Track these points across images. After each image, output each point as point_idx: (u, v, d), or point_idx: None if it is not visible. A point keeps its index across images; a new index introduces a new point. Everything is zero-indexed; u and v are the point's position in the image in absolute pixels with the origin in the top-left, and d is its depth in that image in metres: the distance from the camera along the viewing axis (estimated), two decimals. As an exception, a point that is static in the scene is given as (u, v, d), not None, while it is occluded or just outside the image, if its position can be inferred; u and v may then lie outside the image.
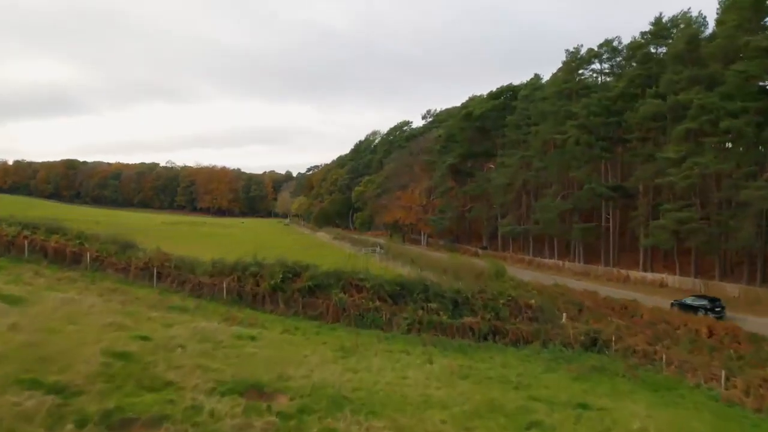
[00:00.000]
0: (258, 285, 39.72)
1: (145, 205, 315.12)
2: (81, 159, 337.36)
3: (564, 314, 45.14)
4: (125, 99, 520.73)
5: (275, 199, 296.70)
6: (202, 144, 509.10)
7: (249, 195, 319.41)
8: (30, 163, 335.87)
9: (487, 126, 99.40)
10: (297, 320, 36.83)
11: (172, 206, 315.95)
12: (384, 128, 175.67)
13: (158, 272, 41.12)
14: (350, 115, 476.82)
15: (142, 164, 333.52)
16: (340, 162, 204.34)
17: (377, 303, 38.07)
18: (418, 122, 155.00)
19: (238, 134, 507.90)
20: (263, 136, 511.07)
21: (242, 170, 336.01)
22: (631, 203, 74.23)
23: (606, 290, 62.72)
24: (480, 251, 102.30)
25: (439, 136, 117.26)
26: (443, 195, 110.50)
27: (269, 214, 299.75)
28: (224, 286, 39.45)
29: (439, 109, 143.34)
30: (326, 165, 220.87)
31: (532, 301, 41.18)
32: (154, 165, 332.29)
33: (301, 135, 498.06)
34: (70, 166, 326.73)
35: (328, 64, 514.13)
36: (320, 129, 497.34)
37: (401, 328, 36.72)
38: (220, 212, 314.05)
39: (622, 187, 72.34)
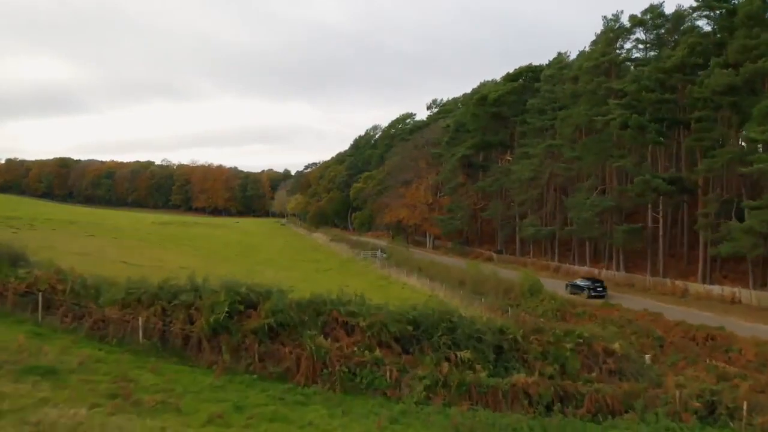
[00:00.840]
0: (192, 322, 24.51)
1: (139, 204, 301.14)
2: (79, 158, 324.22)
3: (647, 356, 30.97)
4: (125, 97, 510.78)
5: (273, 199, 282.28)
6: (203, 143, 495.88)
7: (246, 194, 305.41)
8: (22, 162, 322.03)
9: (503, 113, 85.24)
10: (248, 383, 22.56)
11: (167, 206, 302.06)
12: (386, 123, 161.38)
13: (47, 299, 26.52)
14: (353, 113, 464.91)
15: (137, 162, 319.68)
16: (339, 158, 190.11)
17: (377, 352, 23.29)
18: (422, 115, 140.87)
19: (239, 133, 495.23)
20: (264, 135, 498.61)
21: (239, 169, 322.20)
22: (686, 199, 60.09)
23: (670, 310, 48.38)
24: (495, 255, 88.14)
25: (448, 126, 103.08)
26: (453, 192, 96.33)
27: (267, 213, 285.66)
28: (140, 323, 24.45)
29: (445, 99, 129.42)
30: (324, 162, 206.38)
31: (615, 346, 26.52)
32: (149, 163, 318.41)
33: (303, 134, 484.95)
34: (63, 164, 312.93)
35: (330, 62, 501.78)
36: (322, 128, 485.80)
37: (416, 392, 22.14)
38: (217, 212, 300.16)
39: (681, 179, 57.68)
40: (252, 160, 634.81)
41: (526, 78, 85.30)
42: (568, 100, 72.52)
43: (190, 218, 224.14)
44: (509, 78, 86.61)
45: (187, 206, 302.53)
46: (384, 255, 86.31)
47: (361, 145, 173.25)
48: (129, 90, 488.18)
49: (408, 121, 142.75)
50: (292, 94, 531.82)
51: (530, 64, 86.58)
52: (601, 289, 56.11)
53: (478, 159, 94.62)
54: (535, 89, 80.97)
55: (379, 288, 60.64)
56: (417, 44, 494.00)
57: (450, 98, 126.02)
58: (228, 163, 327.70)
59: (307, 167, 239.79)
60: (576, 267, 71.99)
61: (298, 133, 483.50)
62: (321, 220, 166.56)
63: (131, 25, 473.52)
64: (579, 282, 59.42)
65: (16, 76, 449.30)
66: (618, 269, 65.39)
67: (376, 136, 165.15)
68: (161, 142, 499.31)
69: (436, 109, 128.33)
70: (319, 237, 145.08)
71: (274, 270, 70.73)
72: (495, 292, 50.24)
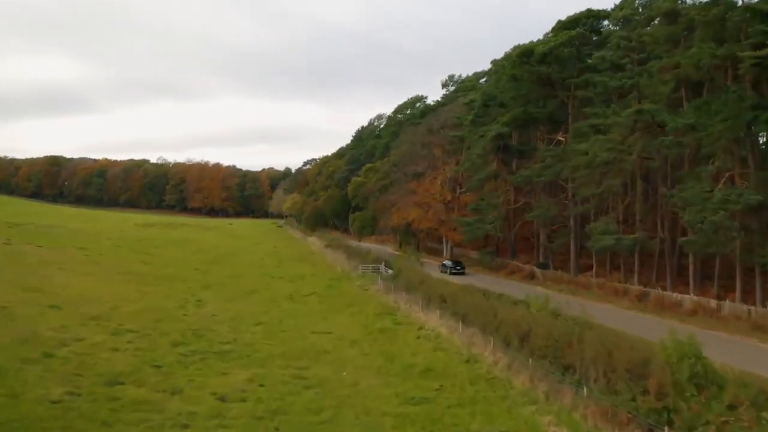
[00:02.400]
0: None
1: (131, 204, 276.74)
2: (71, 156, 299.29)
3: None
4: (128, 97, 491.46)
5: (272, 198, 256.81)
6: (206, 143, 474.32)
7: (244, 194, 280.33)
8: (12, 160, 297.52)
9: (553, 75, 59.43)
10: None
11: (160, 206, 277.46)
12: (393, 111, 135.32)
13: None
14: (359, 113, 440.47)
15: (131, 161, 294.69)
16: (339, 152, 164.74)
17: None
18: (435, 98, 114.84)
19: (242, 133, 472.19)
20: (267, 135, 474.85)
21: (238, 167, 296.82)
22: None
23: None
24: (538, 272, 62.76)
25: (471, 102, 77.47)
26: (479, 186, 70.87)
27: (266, 214, 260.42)
28: None
29: (464, 75, 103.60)
30: (323, 157, 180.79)
31: None
32: (143, 162, 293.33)
33: (307, 133, 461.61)
34: (54, 162, 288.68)
35: (333, 61, 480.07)
36: (328, 127, 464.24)
37: None
38: (213, 212, 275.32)
39: None
40: (255, 160, 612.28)
41: (586, 26, 59.78)
42: (660, 45, 47.21)
43: (180, 219, 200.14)
44: (562, 26, 60.66)
45: (182, 206, 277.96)
46: (390, 272, 61.31)
47: (364, 136, 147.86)
48: (132, 89, 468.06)
49: (418, 105, 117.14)
50: (296, 93, 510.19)
51: (589, 9, 60.57)
52: (460, 268, 67.37)
53: (515, 141, 69.07)
54: (602, 39, 55.76)
55: (382, 335, 35.98)
56: (420, 43, 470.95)
57: (471, 73, 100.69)
58: (232, 162, 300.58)
59: (305, 164, 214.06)
60: (676, 295, 46.42)
61: (302, 132, 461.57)
62: (318, 222, 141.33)
63: (134, 23, 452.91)
64: (445, 262, 71.19)
65: (18, 76, 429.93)
66: (760, 303, 39.67)
67: (381, 126, 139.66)
68: (164, 143, 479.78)
69: (453, 88, 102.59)
70: (314, 242, 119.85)
71: (228, 295, 46.60)
72: (604, 365, 24.69)
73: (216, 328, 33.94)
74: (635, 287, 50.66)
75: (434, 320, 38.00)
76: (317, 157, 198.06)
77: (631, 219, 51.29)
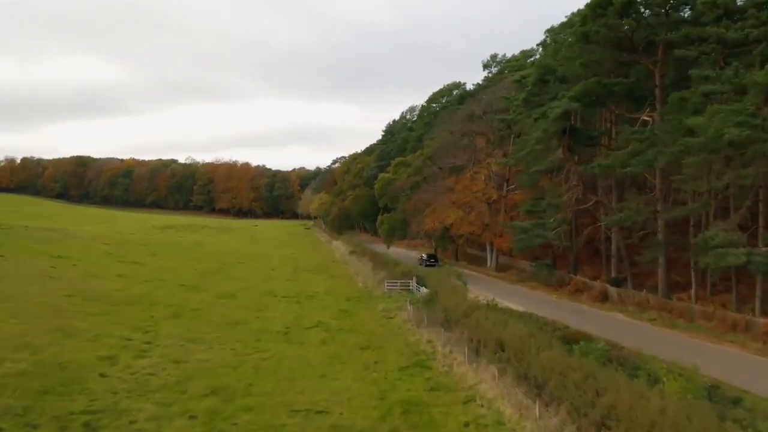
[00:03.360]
0: None
1: (158, 205, 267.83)
2: (98, 156, 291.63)
3: None
4: (162, 98, 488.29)
5: (300, 199, 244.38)
6: (239, 143, 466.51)
7: (273, 194, 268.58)
8: (39, 161, 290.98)
9: (637, 35, 44.68)
10: None
11: (188, 207, 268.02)
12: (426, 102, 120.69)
13: None
14: (393, 112, 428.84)
15: (159, 161, 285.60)
16: (368, 149, 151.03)
17: None
18: (476, 82, 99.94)
19: (276, 133, 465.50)
20: (301, 135, 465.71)
21: (267, 167, 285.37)
22: None
23: None
24: (612, 291, 48.16)
25: (522, 79, 63.06)
26: (535, 181, 56.37)
27: (296, 215, 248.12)
28: None
29: (509, 55, 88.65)
30: (352, 154, 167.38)
31: None
32: (171, 162, 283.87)
33: (341, 133, 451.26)
34: (80, 163, 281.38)
35: (369, 60, 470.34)
36: (361, 127, 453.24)
37: None
38: (241, 213, 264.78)
39: None
40: (288, 161, 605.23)
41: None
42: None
43: (203, 221, 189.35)
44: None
45: (210, 207, 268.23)
46: (422, 289, 47.67)
47: (395, 130, 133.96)
48: (165, 91, 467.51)
49: (455, 92, 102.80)
50: (329, 93, 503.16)
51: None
52: (433, 260, 73.42)
53: (578, 125, 54.35)
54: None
55: (407, 417, 21.86)
56: (456, 40, 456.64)
57: (518, 52, 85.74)
58: (261, 163, 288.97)
59: (334, 162, 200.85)
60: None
61: (335, 132, 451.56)
62: (345, 224, 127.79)
63: (167, 24, 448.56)
64: (423, 256, 76.41)
65: (52, 78, 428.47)
66: None
67: (414, 119, 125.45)
68: (197, 144, 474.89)
69: (496, 69, 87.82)
70: (339, 247, 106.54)
71: (197, 331, 33.60)
72: None
73: (130, 409, 20.52)
74: (763, 320, 35.85)
75: (490, 384, 24.15)
76: (346, 155, 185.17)
77: (746, 223, 36.46)
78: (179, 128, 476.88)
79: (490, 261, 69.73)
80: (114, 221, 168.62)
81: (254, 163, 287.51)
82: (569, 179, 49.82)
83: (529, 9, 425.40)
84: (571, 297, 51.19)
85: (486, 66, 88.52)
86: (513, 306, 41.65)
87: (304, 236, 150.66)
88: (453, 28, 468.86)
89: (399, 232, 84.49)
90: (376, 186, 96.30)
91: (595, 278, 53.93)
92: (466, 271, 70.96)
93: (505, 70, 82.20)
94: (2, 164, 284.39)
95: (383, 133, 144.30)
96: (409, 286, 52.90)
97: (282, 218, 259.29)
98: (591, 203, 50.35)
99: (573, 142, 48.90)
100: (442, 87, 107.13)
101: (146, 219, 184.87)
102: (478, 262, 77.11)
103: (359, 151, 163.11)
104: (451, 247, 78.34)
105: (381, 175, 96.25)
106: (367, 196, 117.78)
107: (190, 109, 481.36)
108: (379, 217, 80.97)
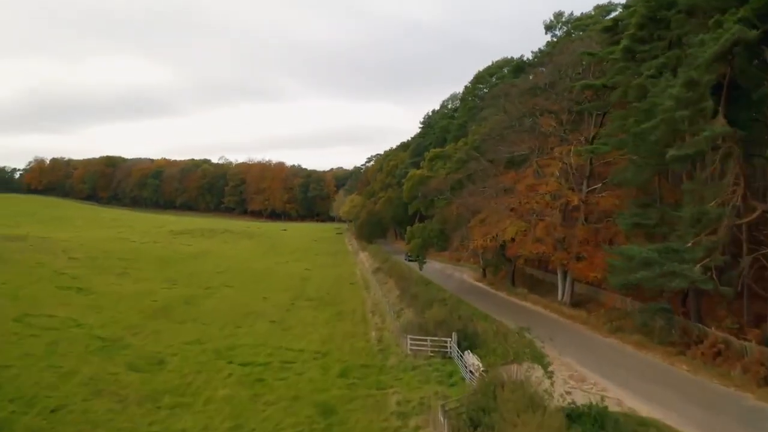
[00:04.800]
0: None
1: (189, 207, 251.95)
2: (128, 156, 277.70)
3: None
4: (204, 99, 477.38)
5: (335, 200, 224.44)
6: (280, 144, 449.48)
7: (307, 195, 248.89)
8: (68, 161, 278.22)
9: None
10: None
11: (219, 209, 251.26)
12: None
13: None
14: (437, 105, 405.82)
15: (191, 161, 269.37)
16: (403, 144, 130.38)
17: None
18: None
19: (319, 135, 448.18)
20: (345, 136, 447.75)
21: (303, 167, 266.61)
22: None
23: None
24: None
25: (617, 22, 41.57)
26: (650, 176, 34.95)
27: (331, 217, 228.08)
28: None
29: (578, 13, 66.33)
30: (386, 151, 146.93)
31: None
32: (202, 162, 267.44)
33: (386, 133, 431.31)
34: (109, 163, 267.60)
35: (413, 58, 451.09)
36: (408, 127, 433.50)
37: None
38: (274, 215, 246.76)
39: None
40: (331, 163, 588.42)
41: None
42: None
43: (226, 224, 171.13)
44: None
45: (242, 209, 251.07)
46: (471, 359, 27.49)
47: (434, 122, 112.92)
48: (208, 92, 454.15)
49: (506, 69, 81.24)
50: (372, 92, 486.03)
51: None
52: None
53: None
54: None
55: None
56: (503, 38, 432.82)
57: (592, 8, 63.48)
58: (301, 164, 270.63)
59: (368, 160, 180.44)
60: None
61: (380, 132, 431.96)
62: (375, 230, 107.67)
63: (210, 25, 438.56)
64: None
65: (96, 79, 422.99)
66: None
67: (457, 106, 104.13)
68: (238, 145, 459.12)
69: (562, 31, 65.63)
70: (365, 261, 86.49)
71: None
72: None
73: None
74: None
75: None
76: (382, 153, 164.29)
77: None
78: (219, 130, 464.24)
79: (563, 291, 48.53)
80: (131, 225, 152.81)
81: (292, 163, 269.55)
82: (723, 173, 28.34)
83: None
84: (717, 369, 29.82)
85: (549, 27, 66.24)
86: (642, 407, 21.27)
87: (330, 243, 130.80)
88: (501, 22, 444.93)
89: (439, 244, 63.32)
90: (404, 186, 75.47)
91: (740, 331, 32.42)
92: (528, 304, 50.06)
93: (577, 31, 60.49)
94: (31, 165, 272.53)
95: (421, 126, 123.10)
96: (445, 346, 32.51)
97: (317, 220, 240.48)
98: (755, 215, 28.84)
99: (732, 108, 27.51)
100: (490, 64, 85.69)
101: (167, 223, 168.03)
102: (541, 288, 55.96)
103: (394, 147, 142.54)
104: (506, 267, 57.25)
105: (411, 172, 75.27)
106: (401, 197, 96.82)
107: (231, 111, 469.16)
108: (409, 228, 59.87)
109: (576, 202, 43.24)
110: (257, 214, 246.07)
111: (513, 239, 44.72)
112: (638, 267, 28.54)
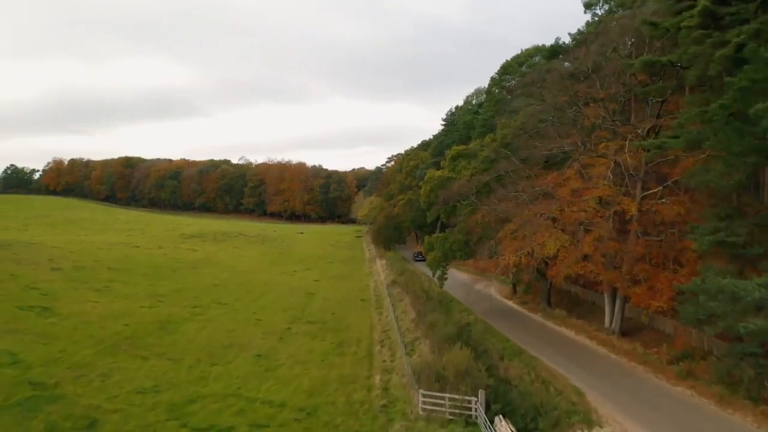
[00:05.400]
0: None
1: (208, 208, 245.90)
2: (146, 157, 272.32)
3: None
4: (228, 100, 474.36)
5: (355, 202, 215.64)
6: (305, 145, 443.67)
7: (328, 196, 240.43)
8: (87, 162, 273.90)
9: None
10: None
11: (238, 210, 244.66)
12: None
13: None
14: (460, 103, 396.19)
15: (210, 161, 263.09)
16: (424, 143, 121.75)
17: None
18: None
19: (344, 135, 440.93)
20: (370, 136, 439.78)
21: (324, 167, 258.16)
22: None
23: None
24: None
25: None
26: (740, 177, 26.20)
27: (352, 219, 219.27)
28: None
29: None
30: (407, 150, 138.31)
31: None
32: (222, 162, 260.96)
33: (411, 133, 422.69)
34: (127, 164, 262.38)
35: (437, 58, 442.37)
36: (433, 126, 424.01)
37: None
38: (294, 217, 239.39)
39: None
40: (355, 164, 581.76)
41: None
42: None
43: (243, 227, 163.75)
44: None
45: (261, 210, 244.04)
46: (501, 425, 19.05)
47: (457, 119, 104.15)
48: (232, 93, 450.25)
49: (536, 58, 72.26)
50: (396, 93, 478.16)
51: None
52: (421, 257, 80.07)
53: None
54: None
55: None
56: (529, 34, 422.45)
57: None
58: (322, 165, 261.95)
59: (389, 160, 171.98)
60: None
61: (405, 131, 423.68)
62: (393, 236, 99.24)
63: (235, 26, 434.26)
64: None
65: (121, 81, 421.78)
66: None
67: (482, 101, 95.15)
68: (261, 146, 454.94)
69: (604, 9, 56.08)
70: (381, 272, 78.12)
71: None
72: None
73: None
74: None
75: None
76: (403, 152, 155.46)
77: None
78: (241, 130, 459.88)
79: (611, 317, 39.69)
80: (143, 228, 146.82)
81: (313, 164, 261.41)
82: None
83: None
84: None
85: (588, 5, 56.60)
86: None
87: (347, 249, 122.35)
88: (523, 19, 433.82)
89: (461, 254, 54.56)
90: (421, 190, 66.92)
91: None
92: (569, 332, 41.47)
93: (623, 8, 51.37)
94: (50, 166, 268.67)
95: (443, 123, 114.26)
96: (469, 407, 24.16)
97: (337, 222, 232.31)
98: None
99: None
100: (519, 52, 76.56)
101: (182, 225, 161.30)
102: (582, 308, 47.19)
103: (414, 146, 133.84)
104: (542, 284, 48.47)
105: (429, 173, 66.43)
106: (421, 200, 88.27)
107: (253, 111, 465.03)
108: (427, 239, 51.33)
109: (633, 211, 34.39)
110: (277, 216, 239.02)
111: (555, 258, 35.98)
112: (745, 309, 19.77)
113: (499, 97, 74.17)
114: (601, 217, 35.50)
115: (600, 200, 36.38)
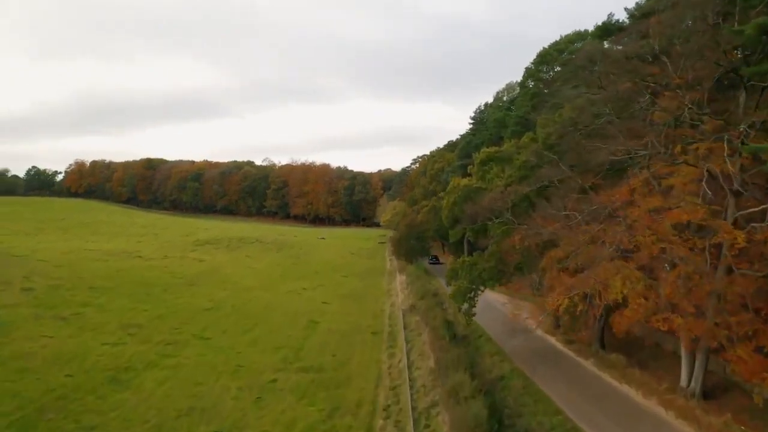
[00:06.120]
0: None
1: (230, 211, 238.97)
2: (169, 158, 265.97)
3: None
4: (254, 101, 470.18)
5: (380, 205, 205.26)
6: (331, 146, 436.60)
7: (352, 198, 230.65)
8: (109, 164, 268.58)
9: None
10: None
11: (261, 213, 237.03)
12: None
13: None
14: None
15: (233, 162, 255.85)
16: (451, 144, 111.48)
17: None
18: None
19: (371, 136, 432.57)
20: (397, 137, 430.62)
21: (349, 168, 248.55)
22: None
23: None
24: None
25: None
26: None
27: (377, 223, 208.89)
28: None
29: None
30: (432, 151, 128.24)
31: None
32: (244, 163, 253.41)
33: (439, 133, 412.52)
34: (149, 165, 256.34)
35: (464, 56, 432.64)
36: (461, 126, 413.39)
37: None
38: (318, 220, 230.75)
39: None
40: (382, 165, 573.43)
41: None
42: None
43: (261, 232, 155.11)
44: None
45: (284, 213, 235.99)
46: None
47: (486, 116, 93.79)
48: (259, 94, 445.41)
49: (577, 44, 61.70)
50: (423, 92, 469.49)
51: None
52: (434, 260, 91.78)
53: None
54: None
55: None
56: (560, 32, 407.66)
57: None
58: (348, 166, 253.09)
59: (414, 161, 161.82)
60: None
61: (432, 131, 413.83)
62: (415, 248, 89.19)
63: (262, 26, 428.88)
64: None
65: (146, 82, 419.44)
66: None
67: (514, 95, 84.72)
68: (287, 147, 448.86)
69: None
70: (399, 291, 68.31)
71: None
72: None
73: None
74: None
75: None
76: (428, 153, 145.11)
77: None
78: (265, 131, 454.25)
79: (689, 374, 29.37)
80: (157, 233, 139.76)
81: (337, 165, 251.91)
82: None
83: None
84: None
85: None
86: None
87: (367, 258, 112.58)
88: (557, 18, 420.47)
89: (492, 279, 44.47)
90: (443, 202, 56.89)
91: None
92: (631, 391, 31.30)
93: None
94: (71, 168, 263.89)
95: (471, 122, 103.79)
96: None
97: (362, 225, 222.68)
98: None
99: None
100: (558, 38, 66.02)
101: (199, 230, 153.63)
102: (644, 353, 36.84)
103: (440, 147, 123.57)
104: (592, 317, 38.29)
105: (452, 181, 56.37)
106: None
107: (278, 113, 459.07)
108: (450, 264, 41.23)
109: (741, 242, 24.08)
110: (300, 219, 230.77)
111: (625, 303, 25.82)
112: None
113: (535, 90, 63.87)
114: (690, 249, 25.23)
115: (688, 224, 26.16)
